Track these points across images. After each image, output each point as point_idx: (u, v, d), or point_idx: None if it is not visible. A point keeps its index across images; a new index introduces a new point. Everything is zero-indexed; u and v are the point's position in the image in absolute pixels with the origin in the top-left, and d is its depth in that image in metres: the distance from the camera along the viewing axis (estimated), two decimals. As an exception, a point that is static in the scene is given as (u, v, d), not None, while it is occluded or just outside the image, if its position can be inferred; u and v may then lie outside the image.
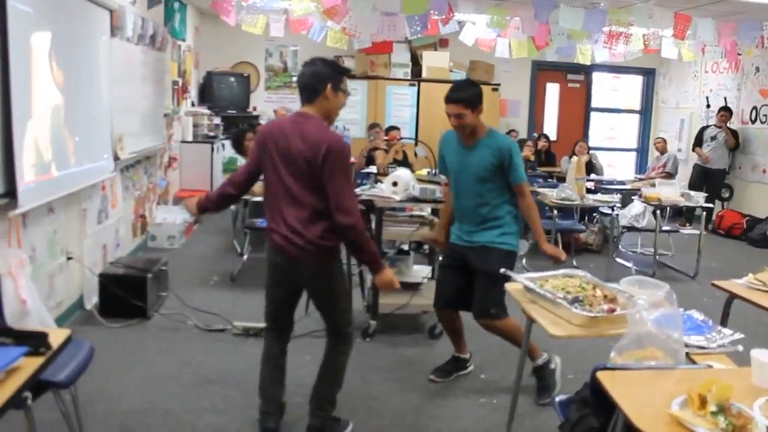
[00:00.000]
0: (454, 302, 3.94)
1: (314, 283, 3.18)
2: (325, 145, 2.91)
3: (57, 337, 2.27)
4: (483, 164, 3.66)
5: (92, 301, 5.00)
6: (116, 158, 5.55)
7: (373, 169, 7.03)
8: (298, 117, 3.06)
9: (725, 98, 10.01)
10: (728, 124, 9.60)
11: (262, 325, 4.56)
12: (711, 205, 8.23)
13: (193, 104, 9.62)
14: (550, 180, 8.36)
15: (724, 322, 3.34)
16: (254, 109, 10.58)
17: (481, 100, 3.67)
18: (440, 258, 4.34)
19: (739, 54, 8.67)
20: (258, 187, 3.43)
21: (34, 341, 2.16)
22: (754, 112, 9.53)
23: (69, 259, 4.71)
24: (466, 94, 3.62)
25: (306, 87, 3.06)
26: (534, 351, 3.85)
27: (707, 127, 9.75)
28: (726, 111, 9.51)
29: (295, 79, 10.68)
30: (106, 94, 5.29)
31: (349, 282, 3.28)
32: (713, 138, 9.48)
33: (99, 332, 4.52)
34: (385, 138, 7.80)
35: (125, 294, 4.78)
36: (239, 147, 7.35)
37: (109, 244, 5.62)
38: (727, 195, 9.70)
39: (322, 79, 3.02)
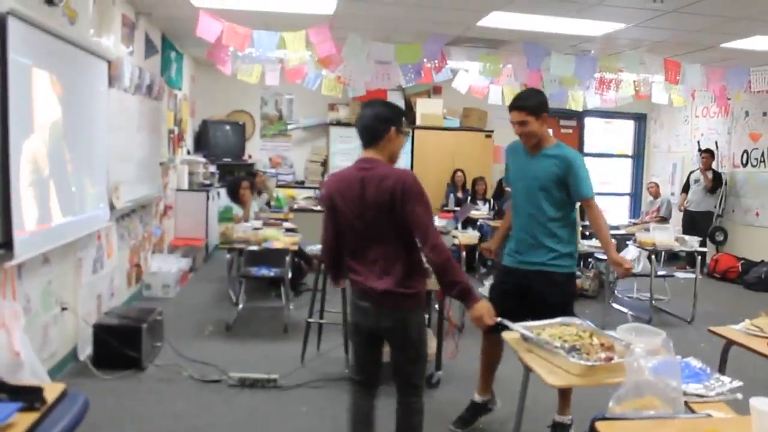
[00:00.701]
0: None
1: (392, 330, 3.02)
2: (401, 184, 2.84)
3: (52, 391, 2.25)
4: (546, 173, 3.57)
5: (86, 352, 4.95)
6: (112, 207, 5.57)
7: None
8: (364, 164, 2.98)
9: (716, 142, 10.13)
10: (719, 168, 9.74)
11: (258, 375, 4.58)
12: (705, 249, 8.25)
13: (188, 152, 9.68)
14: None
15: (722, 369, 3.32)
16: (249, 157, 10.66)
17: (547, 108, 3.62)
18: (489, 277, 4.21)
19: (729, 99, 8.80)
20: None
21: (29, 396, 2.14)
22: (744, 156, 9.64)
23: (63, 309, 4.68)
24: (530, 102, 3.58)
25: (368, 130, 3.00)
26: (566, 407, 3.81)
27: (694, 170, 9.88)
28: (707, 153, 9.65)
29: (290, 127, 10.81)
30: (103, 144, 5.33)
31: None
32: (696, 181, 9.64)
33: (93, 384, 4.46)
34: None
35: (120, 345, 4.73)
36: (235, 196, 7.40)
37: (103, 293, 5.59)
38: (721, 238, 9.74)
39: (386, 122, 2.97)
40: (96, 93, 5.18)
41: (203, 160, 9.57)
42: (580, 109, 9.04)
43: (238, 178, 7.99)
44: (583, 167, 3.59)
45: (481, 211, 9.11)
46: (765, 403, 2.07)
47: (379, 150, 2.99)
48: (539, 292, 3.61)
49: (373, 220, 2.91)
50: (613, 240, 3.82)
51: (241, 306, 6.36)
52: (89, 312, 5.17)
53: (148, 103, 6.84)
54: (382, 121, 2.98)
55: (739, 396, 2.50)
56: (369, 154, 3.00)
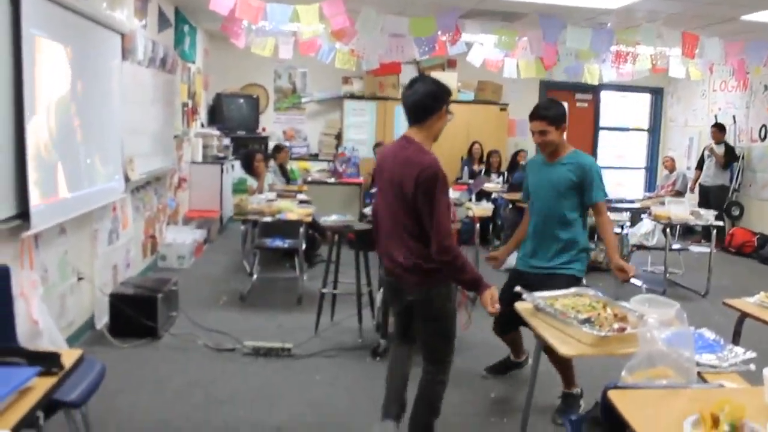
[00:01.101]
0: (510, 324, 3.90)
1: (415, 305, 3.13)
2: (418, 170, 2.87)
3: (69, 357, 2.28)
4: (562, 180, 3.71)
5: (103, 320, 5.02)
6: (127, 179, 5.60)
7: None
8: (404, 142, 3.04)
9: (734, 117, 10.02)
10: (735, 142, 9.65)
11: (272, 344, 4.64)
12: (721, 223, 8.20)
13: (202, 125, 9.69)
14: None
15: (735, 341, 3.32)
16: (263, 130, 10.66)
17: (566, 119, 3.77)
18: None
19: (747, 73, 8.67)
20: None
21: (47, 362, 2.17)
22: (762, 130, 9.53)
23: (80, 279, 4.74)
24: (550, 112, 3.70)
25: (419, 106, 3.00)
26: (572, 379, 3.88)
27: (709, 145, 9.80)
28: (716, 127, 9.57)
29: (303, 100, 10.79)
30: (117, 117, 5.35)
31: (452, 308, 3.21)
32: (710, 156, 9.56)
33: (109, 352, 4.53)
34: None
35: (136, 314, 4.80)
36: (249, 167, 7.41)
37: (119, 264, 5.65)
38: (737, 213, 9.67)
39: (438, 100, 3.00)
40: (110, 66, 5.19)
41: (217, 133, 9.59)
42: (596, 83, 8.96)
43: (252, 150, 8.00)
44: (598, 174, 3.72)
45: (494, 184, 9.08)
46: (777, 373, 2.08)
47: (425, 128, 3.01)
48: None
49: (395, 200, 2.99)
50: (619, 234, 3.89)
51: (255, 277, 6.41)
52: (105, 282, 5.23)
53: (161, 76, 6.85)
54: (434, 99, 2.99)
55: (752, 367, 2.50)
56: (411, 133, 3.03)
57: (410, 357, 3.40)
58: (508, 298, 3.52)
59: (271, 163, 8.07)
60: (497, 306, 3.00)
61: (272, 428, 3.60)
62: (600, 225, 3.81)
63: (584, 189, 3.69)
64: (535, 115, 3.75)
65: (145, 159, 6.20)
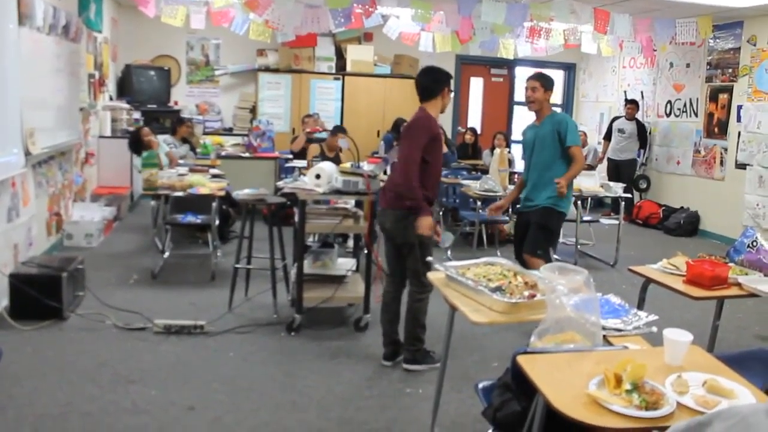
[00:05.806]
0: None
1: (396, 229, 3.99)
2: (409, 122, 4.05)
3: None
4: (547, 133, 4.70)
5: (2, 303, 4.76)
6: (27, 153, 5.31)
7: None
8: (417, 111, 4.10)
9: (642, 92, 10.34)
10: (643, 117, 9.98)
11: (184, 322, 4.53)
12: (629, 196, 8.49)
13: (111, 98, 9.31)
14: (474, 173, 8.44)
15: (640, 306, 3.43)
16: (175, 103, 10.32)
17: (553, 86, 4.84)
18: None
19: (655, 50, 8.94)
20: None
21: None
22: (668, 106, 9.88)
23: (-24, 259, 4.48)
24: (544, 77, 4.79)
25: (425, 89, 4.07)
26: None
27: (617, 118, 10.09)
28: (631, 103, 9.92)
29: (217, 73, 10.54)
30: (14, 86, 5.04)
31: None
32: (619, 130, 9.86)
33: (10, 335, 4.30)
34: (307, 131, 7.70)
35: (38, 294, 4.57)
36: (138, 147, 7.05)
37: (20, 243, 5.37)
38: (644, 186, 10.03)
39: (440, 83, 4.06)
40: (4, 31, 4.87)
41: (127, 106, 9.23)
42: (511, 58, 9.06)
43: (135, 130, 7.62)
44: (571, 124, 4.75)
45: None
46: (676, 333, 2.15)
47: (432, 104, 4.07)
48: (533, 219, 4.77)
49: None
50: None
51: (167, 254, 6.23)
52: (5, 262, 4.96)
53: (65, 45, 6.51)
54: (435, 82, 4.06)
55: (654, 329, 2.58)
56: (423, 105, 4.08)
57: (398, 300, 4.21)
58: (521, 233, 4.95)
59: (167, 137, 7.81)
60: (430, 232, 3.91)
61: (184, 407, 3.51)
62: (573, 162, 4.70)
63: (561, 136, 4.63)
64: (530, 77, 4.79)
65: (48, 132, 5.89)
